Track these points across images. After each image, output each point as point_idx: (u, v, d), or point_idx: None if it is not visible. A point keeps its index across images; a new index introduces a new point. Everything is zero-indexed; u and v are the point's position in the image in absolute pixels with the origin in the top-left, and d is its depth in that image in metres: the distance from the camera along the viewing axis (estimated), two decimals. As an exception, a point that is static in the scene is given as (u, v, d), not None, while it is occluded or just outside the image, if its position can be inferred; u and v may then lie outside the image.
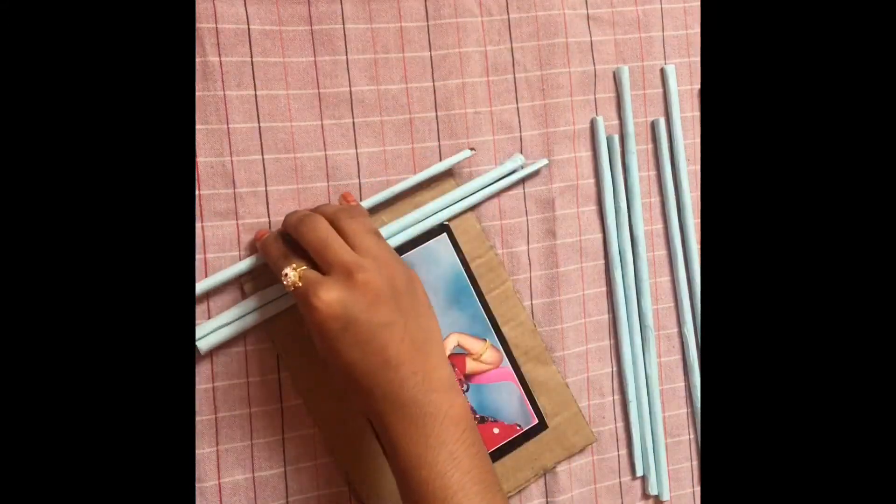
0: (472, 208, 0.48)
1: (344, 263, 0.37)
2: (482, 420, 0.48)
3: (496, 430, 0.48)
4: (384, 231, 0.45)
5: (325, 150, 0.46)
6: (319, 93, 0.45)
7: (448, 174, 0.47)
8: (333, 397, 0.45)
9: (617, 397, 0.51)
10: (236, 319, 0.43)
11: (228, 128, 0.44)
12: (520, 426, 0.48)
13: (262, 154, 0.44)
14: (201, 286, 0.43)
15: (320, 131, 0.45)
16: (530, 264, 0.49)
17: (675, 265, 0.52)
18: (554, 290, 0.50)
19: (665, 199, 0.52)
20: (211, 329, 0.43)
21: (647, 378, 0.52)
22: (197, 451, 0.43)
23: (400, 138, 0.47)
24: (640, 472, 0.51)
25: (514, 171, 0.48)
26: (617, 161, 0.51)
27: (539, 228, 0.49)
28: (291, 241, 0.41)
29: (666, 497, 0.52)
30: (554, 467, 0.49)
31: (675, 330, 0.52)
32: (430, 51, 0.47)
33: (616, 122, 0.51)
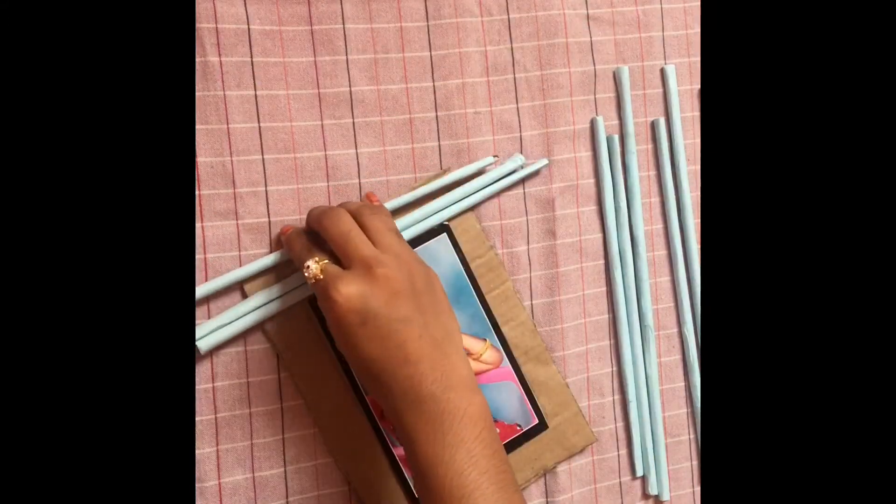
0: (472, 208, 0.48)
1: (364, 258, 0.37)
2: (482, 420, 0.48)
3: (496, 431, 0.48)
4: (384, 231, 0.45)
5: (325, 150, 0.46)
6: (319, 93, 0.45)
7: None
8: (333, 397, 0.45)
9: (617, 397, 0.51)
10: (236, 319, 0.43)
11: (228, 128, 0.44)
12: (520, 426, 0.48)
13: (262, 154, 0.44)
14: (202, 290, 0.43)
15: (320, 131, 0.45)
16: (530, 264, 0.49)
17: (675, 265, 0.52)
18: (554, 290, 0.50)
19: (665, 199, 0.52)
20: (211, 329, 0.43)
21: (647, 378, 0.52)
22: (197, 451, 0.43)
23: (400, 138, 0.47)
24: (640, 472, 0.51)
25: (514, 171, 0.48)
26: (617, 161, 0.51)
27: (539, 228, 0.49)
28: (315, 238, 0.41)
29: (666, 497, 0.52)
30: (554, 467, 0.49)
31: (675, 330, 0.53)
32: (430, 51, 0.47)
33: (616, 122, 0.51)
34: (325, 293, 0.37)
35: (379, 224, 0.39)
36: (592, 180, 0.51)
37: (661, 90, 0.52)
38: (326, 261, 0.38)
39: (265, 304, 0.44)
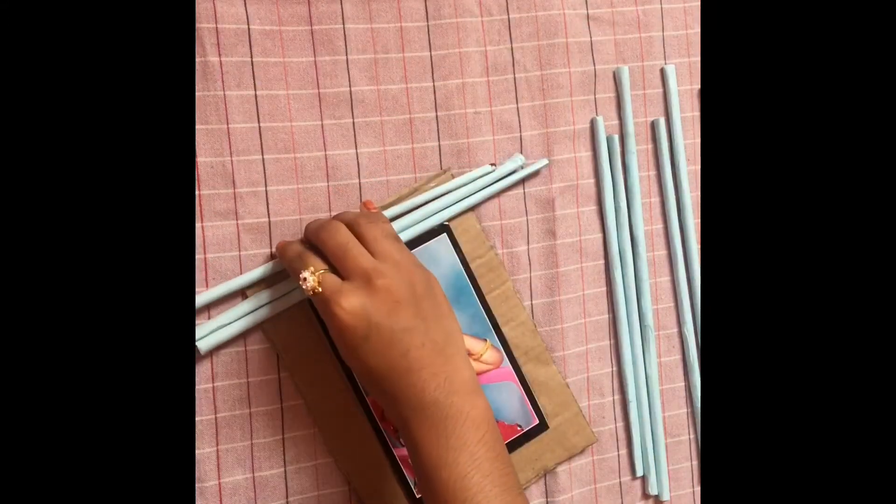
0: (472, 208, 0.48)
1: (363, 269, 0.37)
2: (482, 420, 0.48)
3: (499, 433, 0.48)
4: (384, 231, 0.45)
5: (325, 150, 0.46)
6: (319, 93, 0.45)
7: (448, 174, 0.47)
8: (333, 397, 0.45)
9: (617, 397, 0.51)
10: (236, 319, 0.43)
11: (228, 128, 0.44)
12: (520, 426, 0.48)
13: (262, 154, 0.44)
14: (202, 298, 0.43)
15: (320, 131, 0.45)
16: (530, 264, 0.49)
17: (675, 265, 0.52)
18: (554, 290, 0.50)
19: (665, 199, 0.52)
20: (211, 329, 0.43)
21: (647, 378, 0.52)
22: (197, 451, 0.43)
23: (400, 138, 0.47)
24: (640, 472, 0.51)
25: (514, 171, 0.48)
26: (617, 161, 0.51)
27: (539, 228, 0.49)
28: (311, 248, 0.41)
29: (666, 497, 0.52)
30: (554, 468, 0.49)
31: (675, 330, 0.53)
32: (430, 51, 0.47)
33: (616, 122, 0.51)
34: (325, 307, 0.37)
35: (376, 232, 0.39)
36: (592, 180, 0.51)
37: (661, 90, 0.52)
38: (322, 270, 0.38)
39: (265, 305, 0.44)
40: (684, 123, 0.52)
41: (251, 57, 0.44)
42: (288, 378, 0.45)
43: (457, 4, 0.47)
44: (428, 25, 0.47)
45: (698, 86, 0.53)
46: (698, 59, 0.53)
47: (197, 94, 0.43)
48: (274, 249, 0.44)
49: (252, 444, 0.44)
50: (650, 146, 0.52)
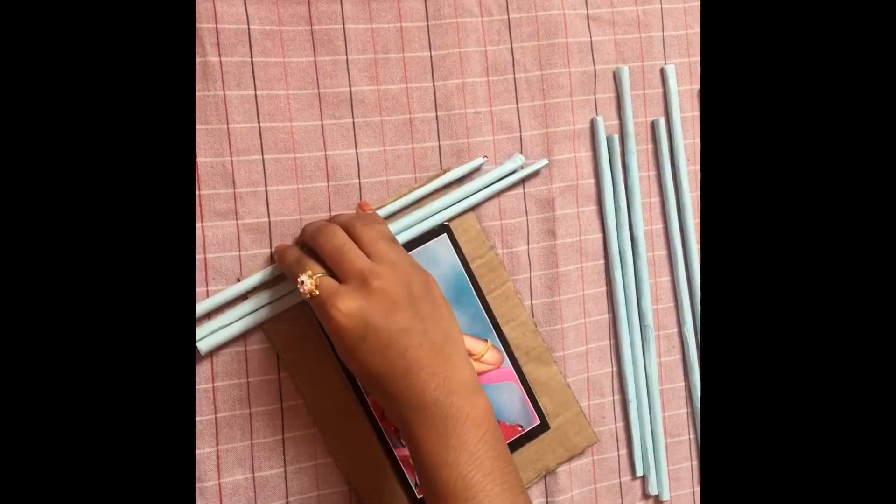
0: (472, 208, 0.48)
1: (360, 271, 0.37)
2: (482, 420, 0.48)
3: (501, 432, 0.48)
4: (384, 231, 0.45)
5: (325, 150, 0.46)
6: (319, 93, 0.45)
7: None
8: (333, 397, 0.45)
9: (617, 397, 0.51)
10: (236, 320, 0.43)
11: (228, 128, 0.44)
12: (521, 427, 0.48)
13: (262, 154, 0.44)
14: (202, 307, 0.43)
15: (320, 131, 0.45)
16: (530, 264, 0.49)
17: (675, 265, 0.52)
18: (554, 290, 0.50)
19: (665, 199, 0.52)
20: (211, 330, 0.43)
21: (647, 378, 0.52)
22: (197, 451, 0.43)
23: (400, 138, 0.47)
24: (640, 472, 0.51)
25: (514, 171, 0.48)
26: (617, 161, 0.51)
27: (539, 228, 0.49)
28: (309, 252, 0.41)
29: (666, 497, 0.52)
30: (556, 468, 0.49)
31: (675, 330, 0.53)
32: (430, 51, 0.47)
33: (616, 122, 0.51)
34: (322, 310, 0.37)
35: (372, 234, 0.39)
36: (592, 180, 0.51)
37: (661, 90, 0.52)
38: (319, 274, 0.38)
39: (265, 305, 0.44)
40: (684, 123, 0.52)
41: (251, 57, 0.44)
42: (288, 378, 0.45)
43: (457, 4, 0.47)
44: (428, 25, 0.47)
45: (698, 86, 0.53)
46: (698, 59, 0.53)
47: (197, 94, 0.43)
48: (273, 250, 0.44)
49: (252, 444, 0.44)
50: (650, 146, 0.52)
